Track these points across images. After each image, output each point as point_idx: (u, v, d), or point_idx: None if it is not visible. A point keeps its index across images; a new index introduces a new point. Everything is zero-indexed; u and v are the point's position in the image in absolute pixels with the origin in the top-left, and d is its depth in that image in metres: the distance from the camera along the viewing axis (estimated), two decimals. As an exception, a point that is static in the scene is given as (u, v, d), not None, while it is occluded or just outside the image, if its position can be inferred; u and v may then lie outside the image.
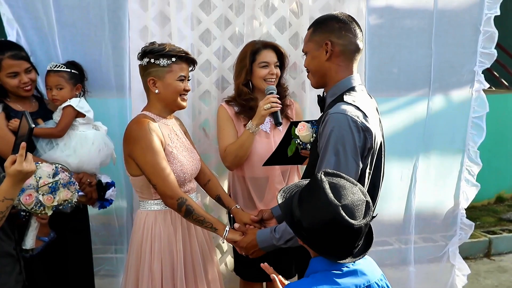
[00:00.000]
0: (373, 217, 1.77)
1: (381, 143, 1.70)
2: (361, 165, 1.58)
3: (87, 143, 2.23)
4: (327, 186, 1.22)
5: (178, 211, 1.84)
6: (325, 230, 1.21)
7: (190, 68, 1.99)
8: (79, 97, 2.29)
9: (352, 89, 1.68)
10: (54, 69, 2.22)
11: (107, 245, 2.78)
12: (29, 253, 1.83)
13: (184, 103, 1.98)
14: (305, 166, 2.40)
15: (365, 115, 1.58)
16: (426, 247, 3.12)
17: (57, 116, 2.22)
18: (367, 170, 1.65)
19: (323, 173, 1.29)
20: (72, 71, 2.26)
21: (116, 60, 2.55)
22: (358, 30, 1.69)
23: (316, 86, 1.79)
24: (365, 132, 1.56)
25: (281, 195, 1.38)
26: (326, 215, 1.19)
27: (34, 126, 1.53)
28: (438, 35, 2.72)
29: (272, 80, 2.29)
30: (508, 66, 6.19)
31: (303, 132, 1.85)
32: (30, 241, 1.81)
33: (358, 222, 1.20)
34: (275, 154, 2.13)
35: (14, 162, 1.49)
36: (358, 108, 1.59)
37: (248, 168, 2.34)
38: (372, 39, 2.61)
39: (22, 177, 1.52)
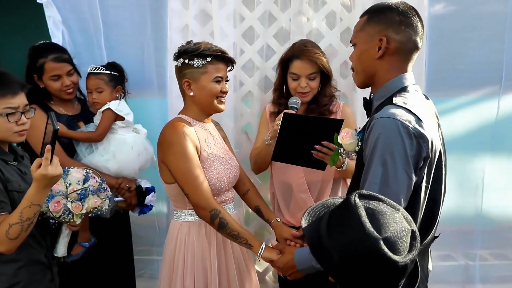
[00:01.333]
0: (435, 237, 1.56)
1: (440, 151, 1.46)
2: (414, 178, 1.36)
3: (126, 147, 2.17)
4: (363, 213, 1.02)
5: (210, 224, 1.72)
6: (361, 268, 1.00)
7: (228, 68, 1.85)
8: (119, 99, 2.24)
9: (403, 89, 1.45)
10: (94, 71, 2.17)
11: (149, 247, 2.74)
12: (61, 260, 1.79)
13: (221, 106, 1.84)
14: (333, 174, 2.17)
15: (418, 119, 1.35)
16: (497, 265, 2.78)
17: (97, 119, 2.18)
18: (424, 184, 1.41)
19: (357, 195, 1.08)
20: (112, 73, 2.20)
21: (158, 60, 2.49)
22: (419, 26, 1.45)
23: (361, 85, 1.57)
24: (419, 139, 1.34)
25: (306, 217, 1.18)
26: (363, 250, 0.99)
27: (58, 128, 1.47)
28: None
29: (304, 93, 2.08)
30: None
31: (347, 139, 1.61)
32: (61, 249, 1.77)
33: (403, 258, 0.99)
34: (279, 148, 1.91)
35: (40, 166, 1.44)
36: (410, 112, 1.36)
37: (275, 169, 2.20)
38: (433, 32, 2.34)
39: (48, 182, 1.46)
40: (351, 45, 1.56)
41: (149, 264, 2.73)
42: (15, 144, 1.80)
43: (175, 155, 1.71)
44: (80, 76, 2.23)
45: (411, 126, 1.33)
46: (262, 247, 1.68)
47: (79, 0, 2.45)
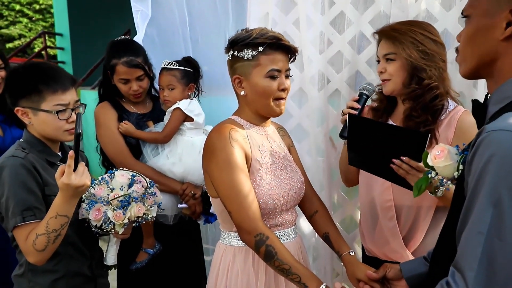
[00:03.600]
0: None
1: None
2: None
3: (194, 151, 1.99)
4: None
5: (256, 251, 1.37)
6: None
7: (290, 60, 1.49)
8: (192, 97, 2.07)
9: None
10: (167, 67, 2.02)
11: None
12: (111, 269, 1.68)
13: (278, 109, 1.48)
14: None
15: None
16: None
17: (167, 118, 2.03)
18: None
19: None
20: (186, 69, 2.03)
21: None
22: None
23: (468, 75, 1.08)
24: None
25: None
26: None
27: (80, 131, 1.32)
28: None
29: (383, 80, 1.61)
30: None
31: (441, 161, 1.14)
32: (111, 257, 1.65)
33: None
34: (352, 151, 1.52)
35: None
36: None
37: (362, 183, 1.77)
38: None
39: (73, 192, 1.33)
40: (462, 16, 1.07)
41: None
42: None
43: (218, 164, 1.41)
44: (154, 78, 2.10)
45: None
46: None
47: (165, -9, 2.35)
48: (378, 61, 1.63)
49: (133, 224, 1.57)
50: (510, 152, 0.86)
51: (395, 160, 1.37)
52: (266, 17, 2.06)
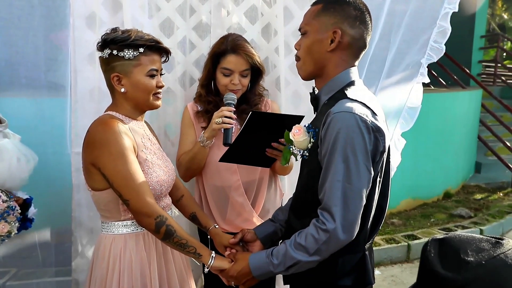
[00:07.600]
0: None
1: (389, 145, 1.49)
2: (373, 173, 1.37)
3: (6, 156, 1.81)
4: None
5: (155, 233, 1.52)
6: None
7: (163, 59, 1.65)
8: None
9: (352, 83, 1.46)
10: None
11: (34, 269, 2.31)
12: None
13: (158, 102, 1.65)
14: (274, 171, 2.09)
15: (373, 113, 1.37)
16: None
17: None
18: (378, 178, 1.44)
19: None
20: None
21: (49, 53, 2.13)
22: (370, 25, 1.47)
23: (306, 77, 1.52)
24: (376, 133, 1.35)
25: None
26: None
27: None
28: (398, 26, 2.63)
29: (234, 90, 1.96)
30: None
31: (300, 136, 1.51)
32: None
33: None
34: (234, 149, 1.81)
35: None
36: (365, 105, 1.37)
37: (206, 173, 2.03)
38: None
39: None
40: (301, 33, 1.49)
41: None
42: None
43: (111, 155, 1.48)
44: None
45: (368, 120, 1.34)
46: (212, 256, 1.55)
47: None
48: (228, 74, 1.94)
49: None
50: (350, 125, 1.32)
51: (274, 144, 1.70)
52: (93, 16, 2.01)
